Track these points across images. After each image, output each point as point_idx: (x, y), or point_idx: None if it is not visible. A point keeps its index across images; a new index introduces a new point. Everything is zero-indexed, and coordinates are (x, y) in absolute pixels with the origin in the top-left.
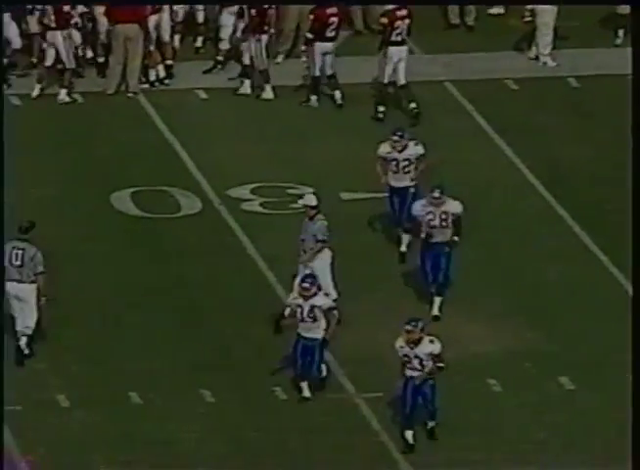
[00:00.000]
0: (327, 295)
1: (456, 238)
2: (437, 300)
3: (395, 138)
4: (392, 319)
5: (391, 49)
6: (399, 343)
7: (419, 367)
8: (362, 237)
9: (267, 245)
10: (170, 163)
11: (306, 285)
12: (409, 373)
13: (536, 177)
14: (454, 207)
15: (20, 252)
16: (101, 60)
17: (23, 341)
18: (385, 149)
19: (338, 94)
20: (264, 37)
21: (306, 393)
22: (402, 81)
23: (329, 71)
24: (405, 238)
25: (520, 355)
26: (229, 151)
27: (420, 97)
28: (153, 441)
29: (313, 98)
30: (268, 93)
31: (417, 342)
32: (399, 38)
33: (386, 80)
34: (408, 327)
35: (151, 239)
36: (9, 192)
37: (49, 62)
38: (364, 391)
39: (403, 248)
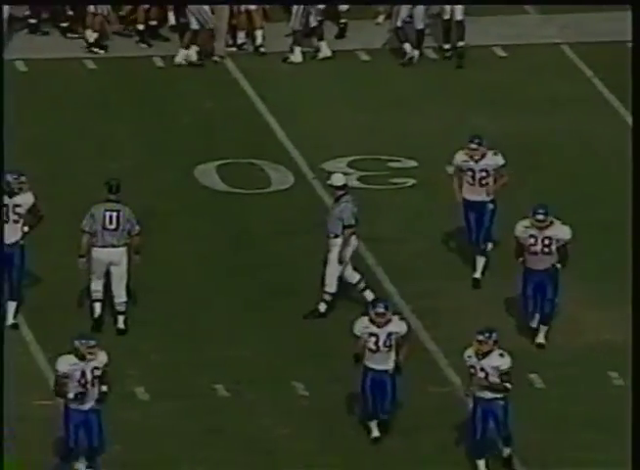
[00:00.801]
0: (402, 319)
1: (559, 266)
2: (543, 329)
3: (473, 146)
4: (498, 310)
5: None
6: (468, 352)
7: (485, 383)
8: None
9: (366, 223)
10: (260, 133)
11: (380, 310)
12: (477, 393)
13: None
14: (563, 232)
15: (114, 214)
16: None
17: (121, 318)
18: (460, 158)
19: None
20: None
21: (375, 433)
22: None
23: (420, 26)
24: (480, 262)
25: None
26: (324, 120)
27: (534, 60)
28: (240, 437)
29: (409, 49)
30: (297, 57)
31: (486, 354)
32: None
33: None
34: (480, 337)
35: (238, 216)
36: (82, 165)
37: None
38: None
39: (477, 274)
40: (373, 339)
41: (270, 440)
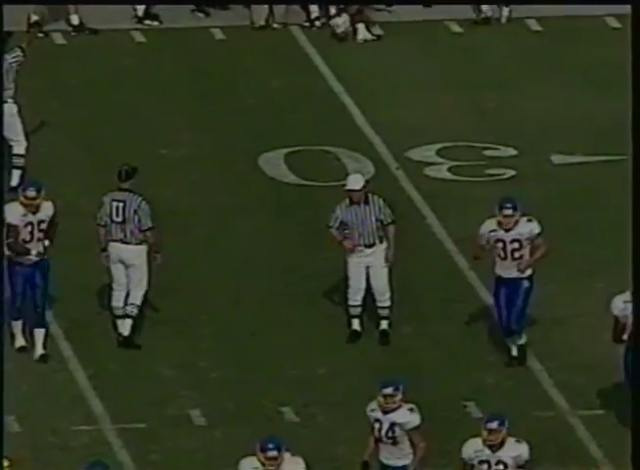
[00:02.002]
0: (411, 410)
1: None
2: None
3: (507, 212)
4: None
5: None
6: (473, 447)
7: None
8: (582, 212)
9: (457, 221)
10: (335, 116)
11: (388, 391)
12: None
13: None
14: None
15: (120, 204)
16: None
17: (127, 324)
18: (489, 226)
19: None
20: None
21: None
22: None
23: None
24: (514, 349)
25: None
26: (410, 102)
27: None
28: (312, 468)
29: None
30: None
31: (499, 444)
32: None
33: None
34: (491, 425)
35: (310, 213)
36: (132, 153)
37: None
38: (581, 407)
39: (514, 352)
40: (377, 425)
41: (345, 468)
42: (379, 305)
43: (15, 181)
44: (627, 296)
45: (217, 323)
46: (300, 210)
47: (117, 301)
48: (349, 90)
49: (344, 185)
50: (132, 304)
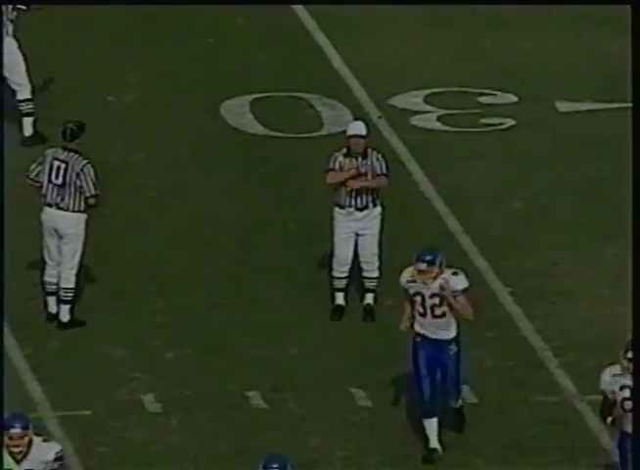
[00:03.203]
0: (455, 273)
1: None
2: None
3: (421, 267)
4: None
5: None
6: (406, 275)
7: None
8: (591, 166)
9: (449, 178)
10: (308, 58)
11: (422, 266)
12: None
13: None
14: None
15: (62, 165)
16: None
17: (64, 310)
18: (407, 275)
19: None
20: None
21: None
22: None
23: None
24: (433, 439)
25: None
26: (394, 40)
27: None
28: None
29: None
30: None
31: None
32: None
33: None
34: (420, 266)
35: (279, 169)
36: (73, 100)
37: None
38: (590, 391)
39: (434, 444)
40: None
41: (323, 464)
42: (365, 275)
43: (28, 131)
44: (617, 368)
45: (172, 296)
46: (269, 165)
47: (50, 276)
48: (324, 27)
49: (343, 132)
50: (65, 288)
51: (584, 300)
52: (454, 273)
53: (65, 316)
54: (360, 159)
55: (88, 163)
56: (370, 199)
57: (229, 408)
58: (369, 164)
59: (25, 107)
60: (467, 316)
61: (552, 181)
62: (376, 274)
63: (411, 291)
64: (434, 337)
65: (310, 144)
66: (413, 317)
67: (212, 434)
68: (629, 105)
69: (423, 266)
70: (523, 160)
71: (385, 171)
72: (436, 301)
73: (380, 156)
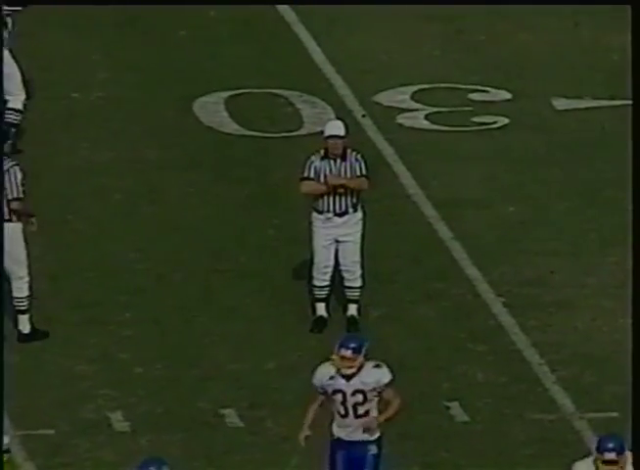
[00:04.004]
0: (377, 366)
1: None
2: None
3: (345, 353)
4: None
5: None
6: (325, 373)
7: None
8: (590, 168)
9: (438, 181)
10: (287, 52)
11: (347, 353)
12: None
13: None
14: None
15: None
16: None
17: (24, 320)
18: (325, 372)
19: None
20: None
21: None
22: None
23: None
24: None
25: None
26: (379, 33)
27: None
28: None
29: None
30: None
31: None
32: None
33: None
34: (345, 353)
35: (255, 170)
36: (36, 96)
37: None
38: (589, 408)
39: None
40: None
41: None
42: (347, 284)
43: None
44: (589, 463)
45: (141, 306)
46: (245, 166)
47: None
48: (304, 19)
49: (322, 132)
50: (18, 298)
51: (583, 310)
52: (376, 366)
53: (25, 327)
54: (339, 161)
55: (16, 164)
56: (350, 203)
57: (203, 427)
58: (348, 165)
59: (12, 116)
60: (402, 407)
61: (548, 184)
62: (358, 284)
63: (329, 390)
64: (353, 439)
65: (289, 144)
66: (331, 420)
67: (185, 455)
68: (631, 102)
69: (347, 353)
70: (517, 161)
71: (365, 173)
72: (360, 398)
73: (359, 156)
